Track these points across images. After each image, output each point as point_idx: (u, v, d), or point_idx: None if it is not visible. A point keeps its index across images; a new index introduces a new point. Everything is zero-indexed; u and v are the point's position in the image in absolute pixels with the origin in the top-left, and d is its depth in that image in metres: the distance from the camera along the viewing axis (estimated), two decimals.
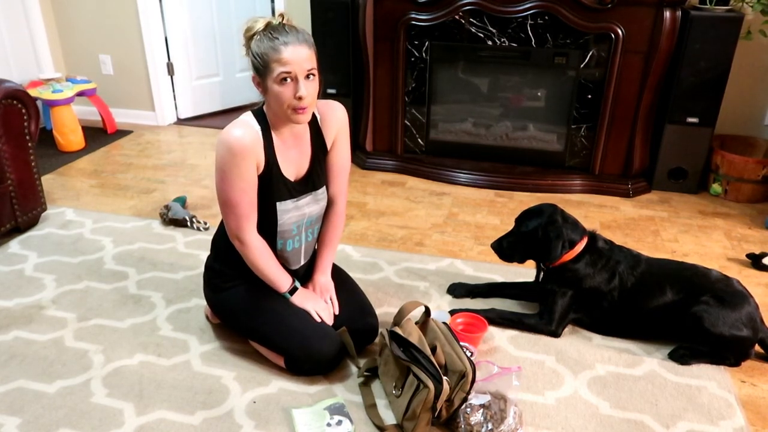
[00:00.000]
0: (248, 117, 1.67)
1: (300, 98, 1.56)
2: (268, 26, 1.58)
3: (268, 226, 1.76)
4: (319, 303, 1.84)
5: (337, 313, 1.87)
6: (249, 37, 1.60)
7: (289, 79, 1.56)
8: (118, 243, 2.56)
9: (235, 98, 4.46)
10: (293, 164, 1.75)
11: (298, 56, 1.54)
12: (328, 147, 1.82)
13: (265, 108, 1.69)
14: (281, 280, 1.81)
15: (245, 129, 1.62)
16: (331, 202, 1.90)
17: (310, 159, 1.78)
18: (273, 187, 1.71)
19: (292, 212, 1.76)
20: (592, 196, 3.14)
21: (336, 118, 1.80)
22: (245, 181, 1.64)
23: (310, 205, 1.80)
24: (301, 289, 1.85)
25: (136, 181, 3.24)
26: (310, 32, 3.32)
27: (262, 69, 1.58)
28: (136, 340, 1.95)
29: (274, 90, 1.58)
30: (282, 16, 1.60)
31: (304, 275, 1.93)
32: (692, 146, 3.05)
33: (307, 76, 1.57)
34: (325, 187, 1.84)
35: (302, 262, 1.90)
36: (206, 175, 3.32)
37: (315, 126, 1.78)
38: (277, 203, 1.72)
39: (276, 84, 1.57)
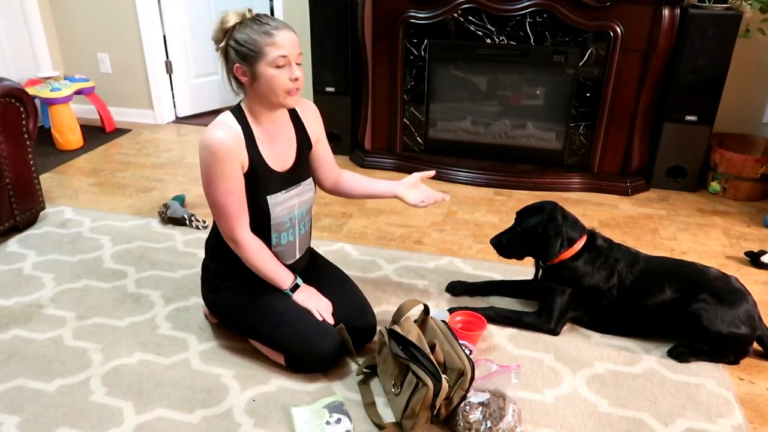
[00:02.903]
0: (227, 117, 1.69)
1: (296, 80, 1.63)
2: (246, 17, 1.62)
3: (261, 221, 1.76)
4: (321, 302, 1.84)
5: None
6: (226, 29, 1.62)
7: (284, 63, 1.61)
8: (116, 242, 2.56)
9: (234, 97, 4.43)
10: (279, 156, 1.77)
11: (291, 40, 1.61)
12: (312, 142, 1.87)
13: (243, 104, 1.73)
14: (282, 278, 1.81)
15: (226, 130, 1.64)
16: (336, 178, 1.99)
17: (296, 150, 1.82)
18: (262, 181, 1.72)
19: (283, 204, 1.77)
20: (590, 195, 3.14)
21: (316, 117, 1.89)
22: (230, 181, 1.65)
23: (299, 196, 1.82)
24: (303, 287, 1.85)
25: (134, 179, 3.24)
26: (308, 29, 3.33)
27: (252, 55, 1.60)
28: (135, 338, 1.95)
29: (268, 74, 1.61)
30: (250, 11, 1.64)
31: (301, 273, 1.93)
32: (691, 144, 3.05)
33: (298, 62, 1.64)
34: (311, 178, 1.88)
35: (297, 256, 1.90)
36: None
37: (296, 119, 1.83)
38: (268, 197, 1.74)
39: (271, 68, 1.60)
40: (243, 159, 1.67)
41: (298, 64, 1.64)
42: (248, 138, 1.68)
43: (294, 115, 1.83)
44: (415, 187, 1.97)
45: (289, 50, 1.60)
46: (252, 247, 1.74)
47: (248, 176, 1.69)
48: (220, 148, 1.61)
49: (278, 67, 1.60)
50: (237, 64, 1.64)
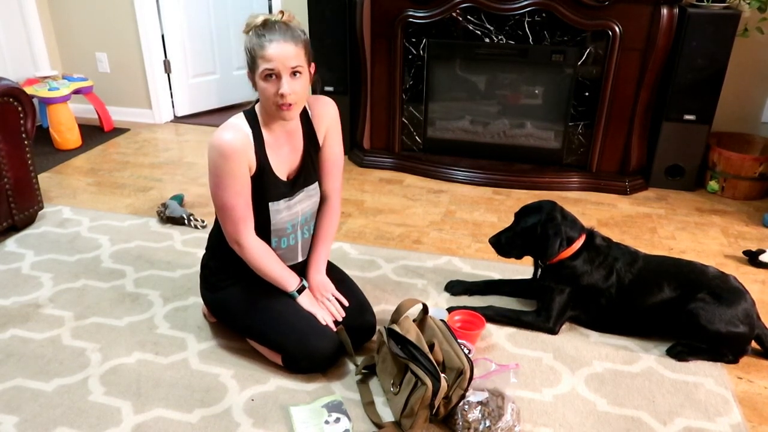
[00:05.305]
0: (238, 119, 1.67)
1: (282, 95, 1.56)
2: (264, 22, 1.57)
3: (261, 226, 1.76)
4: (326, 309, 1.84)
5: (346, 304, 1.86)
6: (246, 32, 1.60)
7: (273, 76, 1.56)
8: (115, 241, 2.56)
9: (232, 96, 4.46)
10: (285, 162, 1.74)
11: (282, 53, 1.54)
12: (320, 142, 1.82)
13: (257, 106, 1.70)
14: (288, 280, 1.80)
15: (235, 132, 1.62)
16: (325, 198, 1.90)
17: (302, 155, 1.78)
18: (265, 187, 1.71)
19: (284, 212, 1.76)
20: (589, 194, 3.14)
21: (326, 113, 1.80)
22: (239, 183, 1.64)
23: (303, 202, 1.80)
24: (308, 291, 1.84)
25: (133, 179, 3.24)
26: (306, 29, 3.33)
27: (251, 65, 1.60)
28: (133, 338, 1.95)
29: (260, 86, 1.59)
30: (282, 13, 1.61)
31: (303, 272, 1.93)
32: (689, 143, 3.05)
33: (293, 74, 1.57)
34: (317, 183, 1.84)
35: (300, 259, 1.90)
36: (203, 173, 3.32)
37: (306, 121, 1.78)
38: (270, 203, 1.72)
39: (261, 80, 1.58)
40: (251, 161, 1.66)
41: (296, 76, 1.57)
42: (257, 142, 1.66)
43: (305, 115, 1.77)
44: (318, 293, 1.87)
45: (278, 64, 1.54)
46: (257, 251, 1.73)
47: (254, 179, 1.68)
48: (229, 150, 1.59)
49: (267, 80, 1.57)
50: (246, 70, 1.64)
